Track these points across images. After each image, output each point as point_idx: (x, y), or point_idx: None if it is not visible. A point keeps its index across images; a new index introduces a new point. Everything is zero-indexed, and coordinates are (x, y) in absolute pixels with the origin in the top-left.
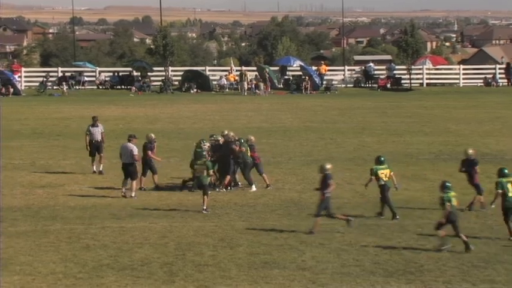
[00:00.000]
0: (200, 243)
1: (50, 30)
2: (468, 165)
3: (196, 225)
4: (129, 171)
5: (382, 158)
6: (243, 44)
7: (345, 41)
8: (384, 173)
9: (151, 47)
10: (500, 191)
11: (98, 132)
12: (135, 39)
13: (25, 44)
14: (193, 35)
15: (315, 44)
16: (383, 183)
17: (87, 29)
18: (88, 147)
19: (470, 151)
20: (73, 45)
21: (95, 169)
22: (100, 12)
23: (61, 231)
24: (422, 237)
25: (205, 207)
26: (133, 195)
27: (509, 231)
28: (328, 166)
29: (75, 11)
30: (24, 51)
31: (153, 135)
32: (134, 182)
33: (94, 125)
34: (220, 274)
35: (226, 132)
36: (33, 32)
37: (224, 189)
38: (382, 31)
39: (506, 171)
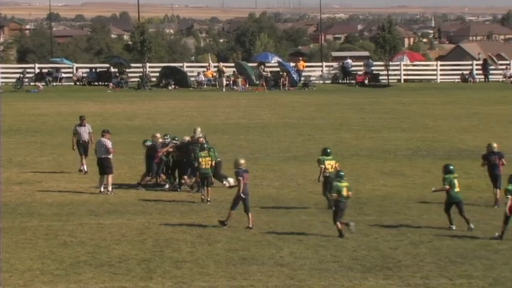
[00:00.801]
0: (178, 239)
1: (27, 26)
2: (493, 158)
3: (174, 221)
4: (104, 166)
5: (329, 150)
6: (221, 40)
7: (322, 37)
8: (330, 164)
9: (129, 43)
10: (447, 186)
11: (85, 132)
12: (113, 36)
13: (1, 40)
14: (171, 31)
15: (293, 40)
16: (327, 174)
17: (65, 25)
18: (74, 147)
19: (495, 144)
20: (50, 41)
21: (82, 168)
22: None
23: (38, 228)
24: (399, 233)
25: (208, 199)
26: (110, 189)
27: (449, 220)
28: (242, 161)
29: (52, 7)
30: (1, 47)
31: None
32: (110, 177)
33: (81, 124)
34: (199, 270)
35: (199, 129)
36: (10, 28)
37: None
38: (359, 27)
39: (452, 167)
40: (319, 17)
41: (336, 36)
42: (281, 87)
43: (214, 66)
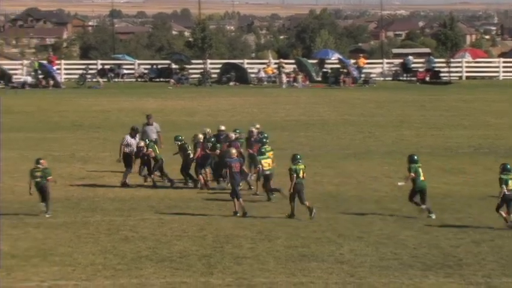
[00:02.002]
0: (238, 235)
1: (90, 23)
2: None
3: (234, 218)
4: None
5: (298, 156)
6: (281, 37)
7: (383, 34)
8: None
9: (190, 39)
10: (412, 174)
11: (152, 131)
12: (174, 32)
13: (65, 36)
14: (232, 27)
15: (353, 37)
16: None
17: (126, 22)
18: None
19: None
20: (112, 38)
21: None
22: (139, 5)
23: (100, 223)
24: (460, 231)
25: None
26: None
27: (416, 204)
28: (233, 151)
29: (115, 4)
30: (64, 44)
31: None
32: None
33: (148, 123)
34: (259, 267)
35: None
36: (73, 25)
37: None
38: (421, 24)
39: (416, 157)
40: (380, 14)
41: (397, 33)
42: (341, 84)
43: (275, 63)
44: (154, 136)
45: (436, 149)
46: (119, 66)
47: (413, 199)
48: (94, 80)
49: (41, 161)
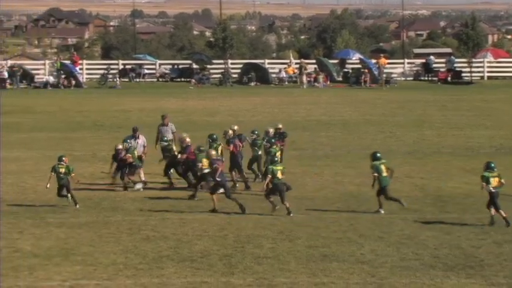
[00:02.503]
0: (259, 235)
1: (111, 23)
2: None
3: (255, 217)
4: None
5: (276, 158)
6: (302, 37)
7: (404, 34)
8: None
9: (211, 39)
10: (376, 174)
11: (167, 132)
12: (195, 32)
13: (87, 36)
14: (253, 27)
15: (374, 37)
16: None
17: (148, 22)
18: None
19: None
20: (134, 38)
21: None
22: (160, 5)
23: (122, 223)
24: (482, 232)
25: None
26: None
27: (379, 203)
28: (213, 152)
29: (136, 4)
30: (86, 44)
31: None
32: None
33: (164, 124)
34: (280, 267)
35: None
36: (95, 25)
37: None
38: (442, 24)
39: (378, 155)
40: (402, 14)
41: (418, 32)
42: (362, 84)
43: (296, 63)
44: (170, 136)
45: (457, 149)
46: (140, 66)
47: (389, 196)
48: (114, 80)
49: (64, 158)
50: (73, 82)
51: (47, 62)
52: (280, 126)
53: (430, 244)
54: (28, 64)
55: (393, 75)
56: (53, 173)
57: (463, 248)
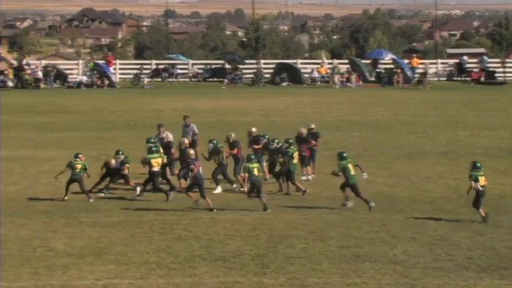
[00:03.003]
0: (291, 235)
1: (144, 23)
2: None
3: (287, 217)
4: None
5: (253, 157)
6: (335, 37)
7: (437, 34)
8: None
9: (244, 39)
10: (341, 173)
11: (188, 133)
12: (227, 32)
13: (120, 36)
14: (285, 27)
15: (407, 37)
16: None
17: (180, 22)
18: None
19: None
20: (166, 38)
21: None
22: (193, 5)
23: (154, 222)
24: None
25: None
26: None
27: (345, 196)
28: (192, 152)
29: (169, 4)
30: (119, 44)
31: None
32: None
33: (186, 125)
34: (312, 267)
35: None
36: (128, 25)
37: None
38: (475, 24)
39: (345, 154)
40: (435, 14)
41: (452, 32)
42: (395, 84)
43: (328, 63)
44: (189, 137)
45: (490, 150)
46: (173, 66)
47: (359, 195)
48: (148, 80)
49: (80, 155)
50: (106, 82)
51: (81, 62)
52: (312, 126)
53: (464, 245)
54: (62, 64)
55: (426, 76)
56: (68, 168)
57: (497, 249)
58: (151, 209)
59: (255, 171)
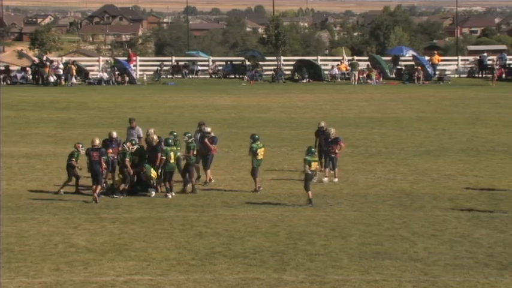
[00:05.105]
0: (311, 232)
1: (165, 20)
2: None
3: (307, 214)
4: None
5: (313, 149)
6: (355, 34)
7: (458, 31)
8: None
9: (264, 36)
10: (307, 166)
11: (133, 135)
12: (248, 29)
13: (140, 33)
14: (305, 24)
15: (428, 34)
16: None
17: (201, 19)
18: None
19: None
20: (187, 34)
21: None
22: (213, 1)
23: (174, 218)
24: None
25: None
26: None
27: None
28: (155, 137)
29: (189, 1)
30: (140, 41)
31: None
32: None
33: (131, 127)
34: (332, 264)
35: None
36: (148, 22)
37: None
38: (497, 20)
39: (257, 136)
40: (455, 10)
41: (472, 29)
42: (415, 81)
43: (349, 60)
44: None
45: (511, 147)
46: (193, 62)
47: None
48: (169, 76)
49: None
50: (126, 78)
51: (101, 58)
52: (322, 124)
53: (484, 242)
54: (82, 61)
55: (447, 72)
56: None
57: None
58: (171, 205)
59: (313, 166)
